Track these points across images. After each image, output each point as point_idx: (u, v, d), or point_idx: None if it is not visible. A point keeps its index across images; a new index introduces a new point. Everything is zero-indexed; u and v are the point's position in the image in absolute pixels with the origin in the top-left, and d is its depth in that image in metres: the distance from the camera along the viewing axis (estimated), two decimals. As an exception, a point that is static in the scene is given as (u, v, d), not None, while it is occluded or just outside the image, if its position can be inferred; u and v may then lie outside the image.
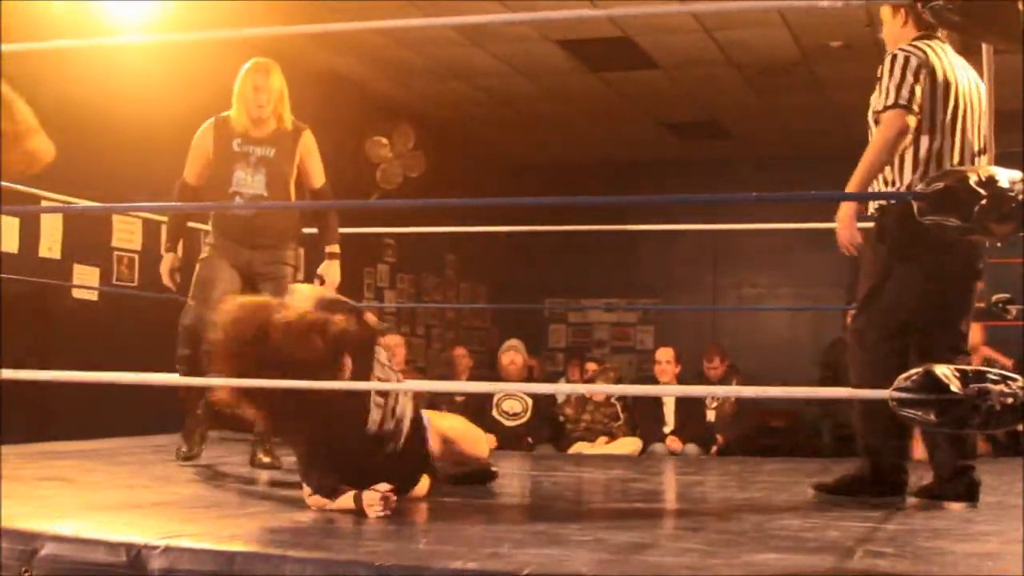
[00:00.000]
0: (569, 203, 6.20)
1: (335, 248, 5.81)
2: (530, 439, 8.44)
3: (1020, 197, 2.77)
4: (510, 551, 2.86)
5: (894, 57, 4.24)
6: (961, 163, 4.20)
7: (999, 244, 3.45)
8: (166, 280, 5.84)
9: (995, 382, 2.61)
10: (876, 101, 4.26)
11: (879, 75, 4.27)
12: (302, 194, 5.77)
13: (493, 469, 4.61)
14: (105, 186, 7.18)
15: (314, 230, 5.92)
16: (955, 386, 2.62)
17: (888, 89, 4.18)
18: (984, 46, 3.87)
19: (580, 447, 8.39)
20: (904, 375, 2.71)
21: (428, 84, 10.48)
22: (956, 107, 4.26)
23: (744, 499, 4.59)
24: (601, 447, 8.38)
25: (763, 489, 4.98)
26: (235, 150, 5.63)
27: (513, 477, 5.36)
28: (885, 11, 4.51)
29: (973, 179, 2.80)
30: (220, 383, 3.62)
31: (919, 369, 2.70)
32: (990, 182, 2.78)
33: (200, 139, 5.81)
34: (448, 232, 8.98)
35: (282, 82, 5.69)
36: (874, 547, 3.08)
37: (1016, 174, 2.82)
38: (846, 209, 4.23)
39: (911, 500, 4.23)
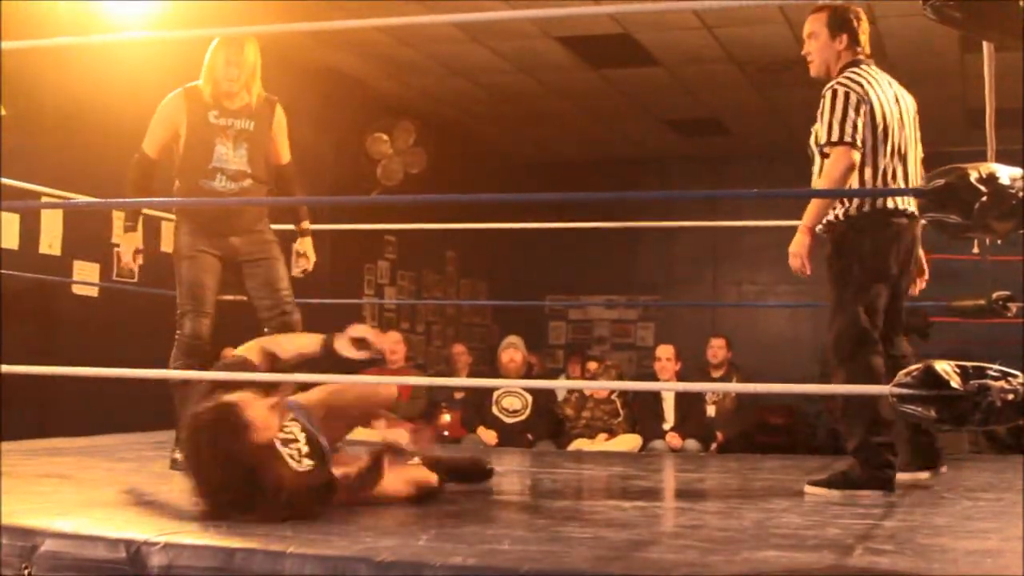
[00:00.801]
0: (569, 199, 6.19)
1: (307, 224, 5.66)
2: (530, 436, 8.44)
3: (1020, 194, 2.77)
4: (510, 548, 2.86)
5: (835, 92, 4.53)
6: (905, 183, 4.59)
7: (999, 241, 3.46)
8: (128, 261, 5.62)
9: (995, 378, 2.61)
10: (820, 134, 4.55)
11: (820, 109, 4.55)
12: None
13: (489, 467, 4.52)
14: (105, 183, 7.18)
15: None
16: (955, 382, 2.62)
17: (832, 125, 4.48)
18: (985, 43, 3.88)
19: (580, 444, 8.39)
20: (904, 371, 2.71)
21: (429, 81, 10.48)
22: (890, 133, 4.57)
23: (744, 496, 4.59)
24: (601, 444, 8.38)
25: (763, 486, 4.98)
26: (212, 122, 5.32)
27: (513, 474, 5.36)
28: (821, 30, 4.77)
29: (974, 176, 2.80)
30: (218, 377, 3.59)
31: (919, 365, 2.70)
32: (991, 179, 2.78)
33: (169, 109, 5.43)
34: (449, 229, 8.99)
35: (256, 56, 5.40)
36: (874, 544, 3.08)
37: (1016, 171, 2.82)
38: (802, 241, 4.53)
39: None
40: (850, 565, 2.75)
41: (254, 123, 5.37)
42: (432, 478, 3.96)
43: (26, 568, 2.92)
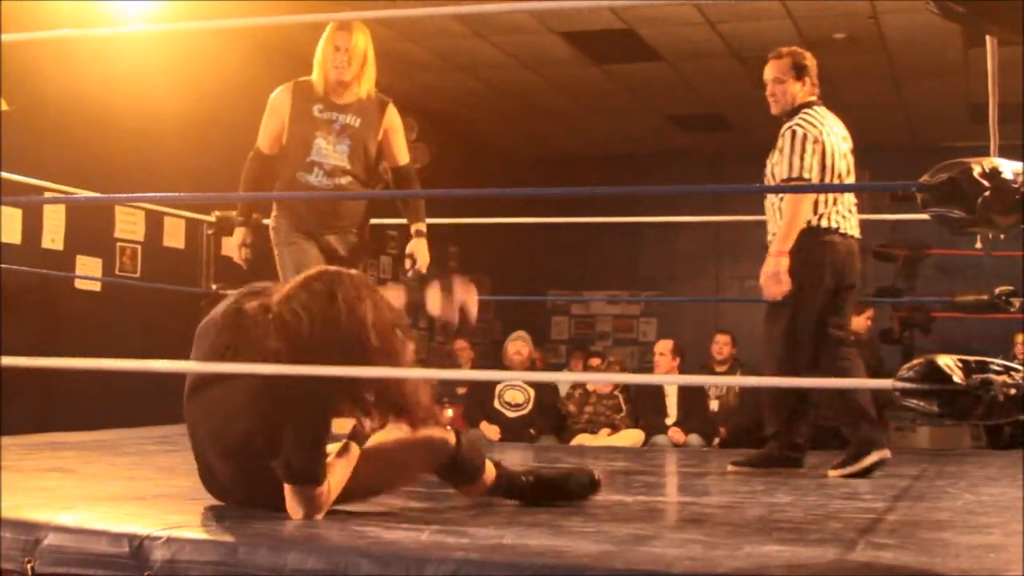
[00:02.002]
0: (571, 193, 6.16)
1: (422, 226, 5.46)
2: (532, 431, 8.45)
3: (1023, 189, 2.76)
4: (512, 542, 2.86)
5: (794, 133, 5.25)
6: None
7: (1002, 236, 3.45)
8: (236, 256, 5.43)
9: (998, 373, 2.61)
10: (780, 169, 5.27)
11: (780, 145, 5.30)
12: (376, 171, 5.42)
13: (596, 477, 3.91)
14: (107, 178, 7.19)
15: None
16: (958, 376, 2.61)
17: (792, 162, 5.22)
18: (988, 38, 3.87)
19: (582, 439, 8.40)
20: (907, 365, 2.70)
21: (431, 76, 10.48)
22: (836, 166, 5.30)
23: (746, 490, 4.59)
24: (604, 439, 8.39)
25: (765, 481, 4.98)
26: (316, 115, 5.17)
27: (515, 468, 5.36)
28: (786, 76, 5.47)
29: (977, 171, 2.79)
30: (239, 368, 3.45)
31: (920, 359, 2.70)
32: (994, 174, 2.78)
33: (276, 101, 5.30)
34: (451, 224, 8.99)
35: (367, 45, 5.19)
36: (876, 538, 3.09)
37: (1019, 166, 2.81)
38: (776, 266, 5.22)
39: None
40: (852, 559, 2.75)
41: (361, 120, 5.23)
42: (449, 435, 3.57)
43: (28, 562, 2.92)
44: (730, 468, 5.50)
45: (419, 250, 5.41)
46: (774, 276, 5.21)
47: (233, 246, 5.41)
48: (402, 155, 5.42)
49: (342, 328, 3.16)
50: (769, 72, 5.57)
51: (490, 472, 3.74)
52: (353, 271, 3.39)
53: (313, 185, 5.11)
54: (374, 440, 3.47)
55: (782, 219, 5.26)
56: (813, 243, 5.25)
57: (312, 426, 3.19)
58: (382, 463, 3.49)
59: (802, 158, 5.20)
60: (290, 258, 5.19)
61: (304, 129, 5.14)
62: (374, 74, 5.27)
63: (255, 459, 3.19)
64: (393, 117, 5.34)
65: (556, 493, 3.82)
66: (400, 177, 5.46)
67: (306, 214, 5.23)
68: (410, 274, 5.40)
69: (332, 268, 3.38)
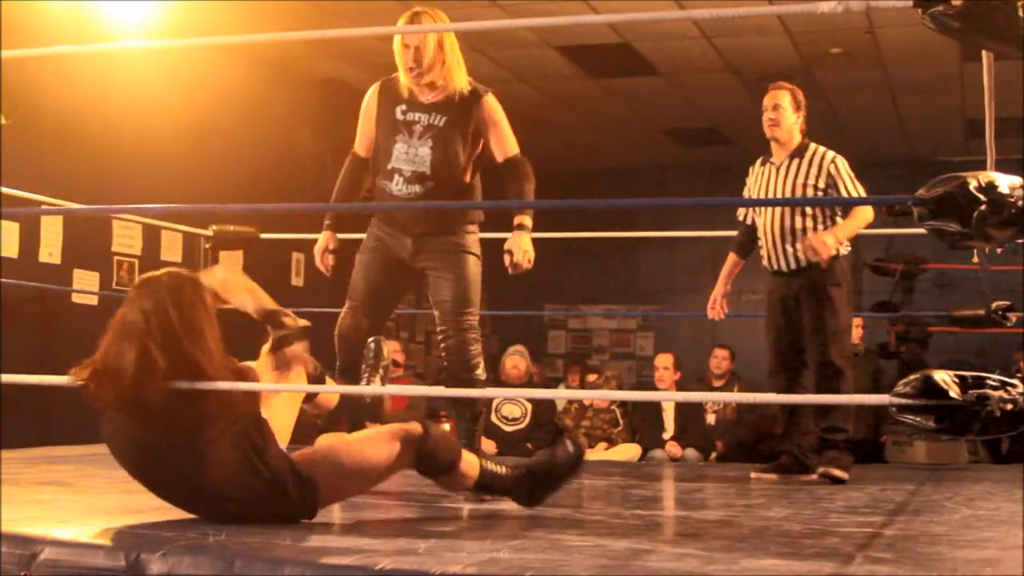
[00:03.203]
0: (567, 206, 6.18)
1: (524, 219, 4.88)
2: (529, 445, 8.44)
3: (1020, 203, 2.77)
4: (509, 556, 2.86)
5: (845, 161, 5.84)
6: None
7: (999, 250, 3.46)
8: (318, 262, 5.03)
9: (994, 388, 2.61)
10: (852, 190, 5.78)
11: (838, 170, 5.78)
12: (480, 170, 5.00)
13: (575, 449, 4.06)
14: (104, 191, 7.19)
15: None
16: (954, 392, 2.62)
17: (858, 187, 5.80)
18: (984, 53, 3.89)
19: (579, 453, 8.38)
20: (903, 380, 2.71)
21: (429, 90, 10.48)
22: None
23: (743, 505, 4.59)
24: (601, 453, 8.38)
25: (762, 495, 4.98)
26: (398, 118, 4.77)
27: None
28: (787, 104, 5.96)
29: (973, 185, 2.80)
30: (225, 387, 3.54)
31: (917, 375, 2.70)
32: (990, 188, 2.78)
33: (366, 105, 4.96)
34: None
35: (442, 34, 4.74)
36: (874, 553, 3.08)
37: (1016, 180, 2.82)
38: (835, 242, 5.66)
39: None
40: (850, 573, 2.75)
41: (446, 118, 4.77)
42: (415, 427, 3.66)
43: (25, 575, 2.92)
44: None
45: (517, 245, 4.85)
46: (827, 246, 5.60)
47: (316, 252, 5.00)
48: (502, 149, 4.89)
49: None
50: (773, 99, 6.00)
51: (472, 467, 3.78)
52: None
53: (394, 193, 4.76)
54: (342, 439, 3.61)
55: (850, 219, 5.74)
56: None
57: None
58: (351, 460, 3.55)
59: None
60: (356, 270, 4.95)
61: (386, 133, 4.79)
62: (462, 64, 4.86)
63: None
64: (490, 109, 4.86)
65: (547, 480, 3.93)
66: (507, 170, 4.93)
67: (389, 219, 4.91)
68: (511, 271, 4.91)
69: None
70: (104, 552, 2.90)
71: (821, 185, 5.76)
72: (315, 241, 5.08)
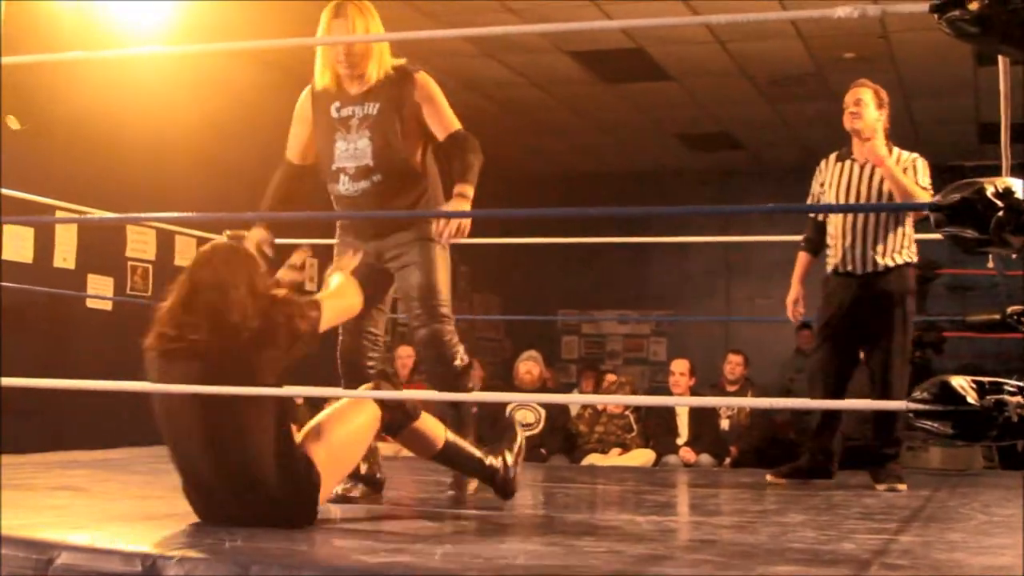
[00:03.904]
0: (581, 215, 6.20)
1: (465, 188, 4.52)
2: (543, 450, 8.43)
3: (1037, 209, 2.76)
4: (525, 562, 2.85)
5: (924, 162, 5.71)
6: None
7: (1015, 256, 3.45)
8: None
9: (1012, 393, 2.60)
10: (920, 179, 5.63)
11: (916, 168, 5.66)
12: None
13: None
14: (118, 196, 7.21)
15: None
16: (971, 397, 2.61)
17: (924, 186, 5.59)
18: (1000, 58, 3.87)
19: (593, 459, 8.38)
20: (920, 386, 2.70)
21: (441, 95, 10.49)
22: None
23: (758, 511, 4.58)
24: (614, 459, 8.37)
25: (777, 500, 4.97)
26: (334, 117, 4.55)
27: (526, 488, 5.35)
28: (870, 100, 5.77)
29: (990, 190, 2.79)
30: (252, 392, 3.54)
31: (935, 380, 2.69)
32: (1007, 193, 2.77)
33: (299, 108, 4.73)
34: (461, 243, 8.98)
35: (368, 21, 4.46)
36: (889, 559, 3.08)
37: (1032, 185, 2.81)
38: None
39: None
40: (866, 580, 2.74)
41: (379, 104, 4.51)
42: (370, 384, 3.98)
43: (41, 581, 2.93)
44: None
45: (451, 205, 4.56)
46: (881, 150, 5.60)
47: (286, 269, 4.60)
48: (445, 122, 4.62)
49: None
50: (856, 95, 5.80)
51: (437, 435, 4.00)
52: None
53: (343, 194, 4.55)
54: (323, 416, 3.69)
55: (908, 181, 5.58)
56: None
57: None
58: (334, 433, 3.65)
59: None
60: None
61: (325, 135, 4.58)
62: (387, 48, 4.59)
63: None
64: (424, 86, 4.60)
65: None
66: (450, 147, 4.62)
67: (347, 225, 4.74)
68: (437, 239, 4.61)
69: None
70: (120, 557, 2.90)
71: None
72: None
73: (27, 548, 3.00)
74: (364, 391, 3.90)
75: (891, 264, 5.60)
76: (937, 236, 2.92)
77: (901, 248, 5.64)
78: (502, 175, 12.81)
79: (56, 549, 2.98)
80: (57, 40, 6.83)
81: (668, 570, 2.84)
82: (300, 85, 4.79)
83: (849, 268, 5.66)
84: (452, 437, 4.04)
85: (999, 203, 2.75)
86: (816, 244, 5.96)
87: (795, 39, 8.85)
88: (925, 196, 5.42)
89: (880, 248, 5.59)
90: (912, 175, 5.58)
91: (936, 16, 2.71)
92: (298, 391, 3.78)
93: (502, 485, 4.16)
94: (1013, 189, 2.78)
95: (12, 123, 6.90)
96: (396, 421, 3.85)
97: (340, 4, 4.46)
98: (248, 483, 3.39)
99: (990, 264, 6.35)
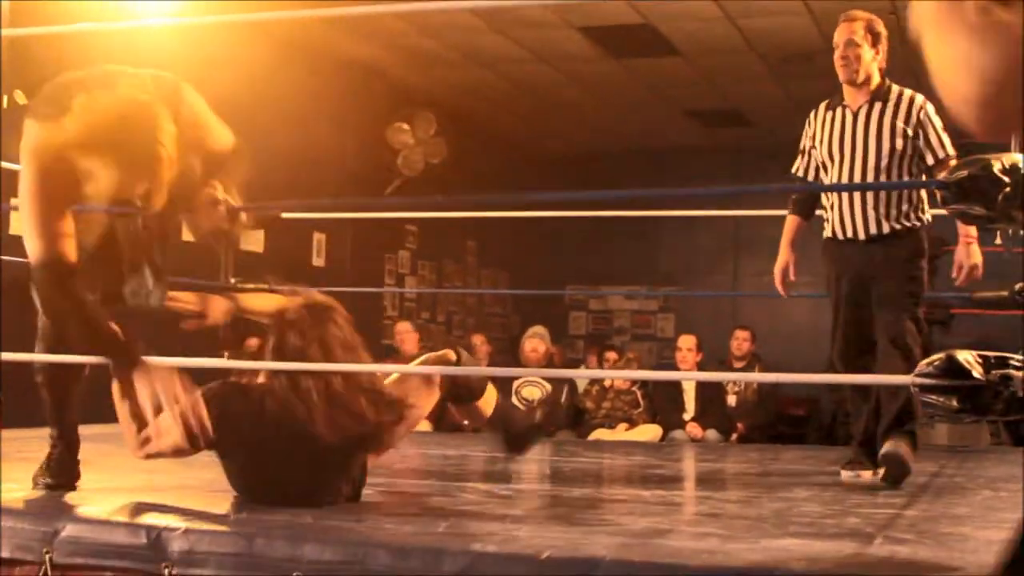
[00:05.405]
0: (589, 198, 6.18)
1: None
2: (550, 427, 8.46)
3: (1045, 184, 2.75)
4: (529, 535, 2.86)
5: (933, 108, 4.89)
6: None
7: (1022, 232, 3.44)
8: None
9: (1018, 368, 2.60)
10: (940, 148, 4.87)
11: (929, 116, 4.89)
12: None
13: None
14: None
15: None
16: (977, 372, 2.61)
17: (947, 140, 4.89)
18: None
19: (600, 434, 8.39)
20: (926, 360, 2.70)
21: (449, 71, 10.47)
22: None
23: (764, 485, 4.58)
24: (621, 434, 8.38)
25: (783, 475, 4.98)
26: None
27: (532, 463, 5.36)
28: (863, 37, 5.02)
29: (997, 167, 2.79)
30: (262, 367, 3.56)
31: (941, 355, 2.69)
32: (1014, 170, 2.77)
33: None
34: (469, 218, 8.99)
35: None
36: (894, 533, 3.08)
37: (1041, 161, 2.80)
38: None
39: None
40: (870, 554, 2.75)
41: None
42: (450, 354, 4.06)
43: (47, 553, 2.94)
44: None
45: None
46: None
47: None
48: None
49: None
50: (842, 35, 5.06)
51: (489, 404, 4.12)
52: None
53: None
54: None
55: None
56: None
57: None
58: (404, 385, 3.78)
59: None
60: None
61: None
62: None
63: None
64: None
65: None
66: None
67: None
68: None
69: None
70: (125, 530, 2.91)
71: (911, 132, 4.85)
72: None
73: (33, 520, 3.02)
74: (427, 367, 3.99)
75: (898, 227, 4.88)
76: (944, 212, 2.92)
77: (910, 211, 4.90)
78: (511, 151, 12.82)
79: (62, 521, 2.99)
80: (66, 14, 6.82)
81: (673, 543, 2.84)
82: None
83: (850, 234, 4.94)
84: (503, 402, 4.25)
85: (1006, 179, 2.75)
86: (807, 207, 5.31)
87: (805, 16, 8.81)
88: (951, 150, 4.84)
89: (883, 210, 4.87)
90: (928, 126, 4.86)
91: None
92: (375, 367, 3.87)
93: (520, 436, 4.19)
94: (1020, 165, 2.77)
95: (19, 97, 6.88)
96: (470, 392, 4.08)
97: None
98: None
99: (998, 241, 6.31)
